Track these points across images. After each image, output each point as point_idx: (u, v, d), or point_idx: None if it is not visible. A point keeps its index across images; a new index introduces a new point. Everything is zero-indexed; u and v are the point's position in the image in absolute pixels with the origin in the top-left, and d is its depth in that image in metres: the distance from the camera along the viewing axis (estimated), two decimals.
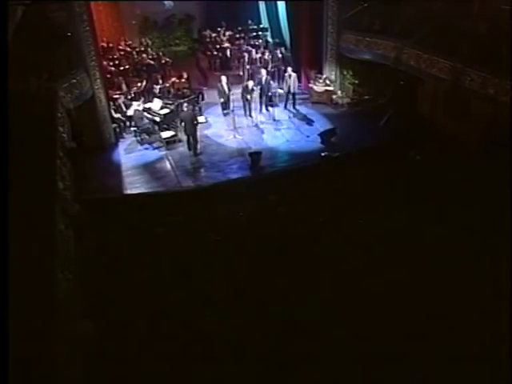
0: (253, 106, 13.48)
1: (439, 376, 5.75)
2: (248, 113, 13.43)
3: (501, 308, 6.35)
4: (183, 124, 11.77)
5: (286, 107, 13.86)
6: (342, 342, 6.20)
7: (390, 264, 7.60)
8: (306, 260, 7.79)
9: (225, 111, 13.39)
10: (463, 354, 5.92)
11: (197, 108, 13.60)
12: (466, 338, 6.13)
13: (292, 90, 13.54)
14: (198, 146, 11.85)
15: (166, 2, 18.09)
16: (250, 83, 13.26)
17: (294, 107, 13.84)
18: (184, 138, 12.34)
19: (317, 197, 9.67)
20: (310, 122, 13.23)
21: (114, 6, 16.37)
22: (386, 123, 12.59)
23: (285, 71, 13.83)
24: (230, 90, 13.20)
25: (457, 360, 5.86)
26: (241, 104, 13.43)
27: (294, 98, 13.79)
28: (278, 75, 15.13)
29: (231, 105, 12.93)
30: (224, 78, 13.06)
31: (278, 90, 13.97)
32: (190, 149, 11.93)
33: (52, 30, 10.28)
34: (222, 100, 13.30)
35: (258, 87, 13.58)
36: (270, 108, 13.77)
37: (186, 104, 12.29)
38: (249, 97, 13.15)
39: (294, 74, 13.40)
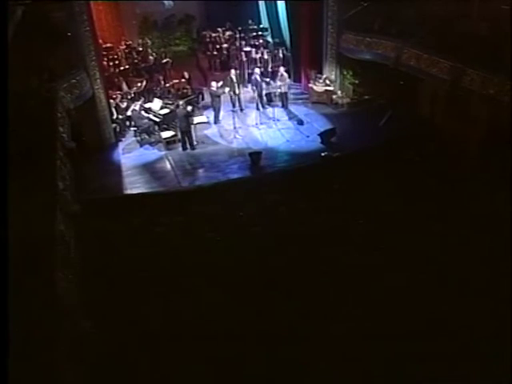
0: (242, 98, 13.67)
1: (439, 376, 5.76)
2: (238, 107, 13.45)
3: (501, 308, 6.35)
4: (177, 121, 11.87)
5: (283, 106, 13.88)
6: (342, 342, 6.20)
7: (391, 264, 7.60)
8: (306, 260, 7.80)
9: (218, 118, 13.33)
10: (463, 354, 5.93)
11: (196, 108, 13.63)
12: (466, 338, 6.13)
13: (283, 90, 13.54)
14: (195, 143, 11.98)
15: (165, 2, 18.06)
16: (233, 74, 13.27)
17: (286, 107, 13.82)
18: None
19: (317, 197, 9.67)
20: (309, 122, 13.22)
21: (114, 5, 16.34)
22: (386, 123, 12.58)
23: (278, 71, 13.87)
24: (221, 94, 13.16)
25: (456, 360, 5.87)
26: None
27: (286, 98, 13.79)
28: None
29: (221, 114, 13.18)
30: (214, 83, 13.00)
31: (277, 89, 13.98)
32: (184, 148, 11.94)
33: (52, 30, 10.27)
34: (215, 105, 13.18)
35: (253, 87, 13.70)
36: (270, 108, 13.78)
37: (181, 102, 12.29)
38: (237, 90, 13.17)
39: (285, 74, 13.43)
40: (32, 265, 4.28)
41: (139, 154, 11.95)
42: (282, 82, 13.43)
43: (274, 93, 13.94)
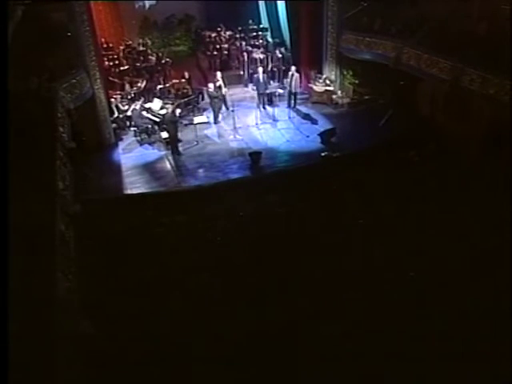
0: (228, 98, 13.53)
1: (439, 376, 5.76)
2: (214, 121, 13.23)
3: (501, 308, 6.35)
4: (165, 125, 11.88)
5: (289, 106, 13.84)
6: (341, 342, 6.20)
7: (390, 263, 7.60)
8: (306, 260, 7.79)
9: (217, 119, 13.29)
10: (463, 354, 5.92)
11: (196, 108, 13.65)
12: (466, 338, 6.13)
13: (293, 90, 13.53)
14: (179, 149, 11.92)
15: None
16: (219, 76, 13.25)
17: (294, 107, 13.83)
18: (184, 138, 12.40)
19: (317, 197, 9.67)
20: (309, 121, 13.22)
21: (114, 5, 16.31)
22: (386, 123, 12.59)
23: (288, 70, 13.82)
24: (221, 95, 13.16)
25: (456, 360, 5.86)
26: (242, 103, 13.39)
27: (295, 98, 13.79)
28: (278, 75, 15.12)
29: (220, 115, 13.18)
30: (211, 85, 13.01)
31: (277, 89, 13.97)
32: (173, 152, 11.78)
33: (52, 30, 10.28)
34: (214, 106, 13.12)
35: (254, 86, 13.70)
36: (270, 108, 13.78)
37: (168, 105, 12.24)
38: (223, 91, 13.14)
39: (296, 74, 13.39)
40: (32, 265, 4.28)
41: (139, 154, 11.96)
42: (294, 82, 13.39)
43: (274, 93, 13.93)
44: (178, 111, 12.08)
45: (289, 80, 13.57)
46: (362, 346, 6.12)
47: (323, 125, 12.93)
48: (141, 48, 16.32)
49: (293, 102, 13.83)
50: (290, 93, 13.67)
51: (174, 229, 8.71)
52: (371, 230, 8.49)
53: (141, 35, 17.60)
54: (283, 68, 15.04)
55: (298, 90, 13.85)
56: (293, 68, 13.54)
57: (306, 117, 13.48)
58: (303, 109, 14.01)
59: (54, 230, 4.99)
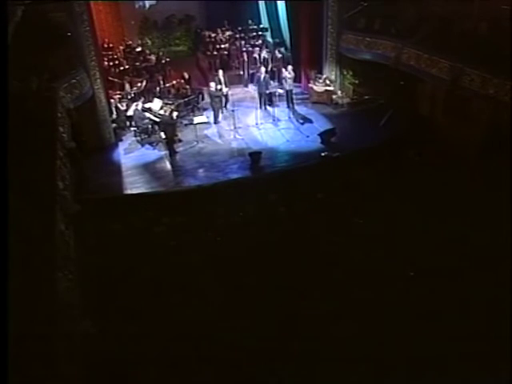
0: (230, 98, 13.51)
1: (439, 376, 5.76)
2: (214, 120, 13.21)
3: (501, 307, 6.35)
4: (162, 127, 11.89)
5: (289, 106, 13.82)
6: (342, 342, 6.20)
7: (390, 263, 7.60)
8: (306, 260, 7.79)
9: (217, 119, 13.29)
10: (463, 354, 5.93)
11: (196, 108, 13.65)
12: (466, 338, 6.13)
13: (287, 88, 13.51)
14: (180, 149, 11.96)
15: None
16: (220, 74, 13.22)
17: (291, 106, 13.80)
18: (184, 138, 12.39)
19: (317, 197, 9.66)
20: (309, 121, 13.23)
21: (114, 5, 16.35)
22: (386, 123, 12.59)
23: (285, 69, 13.83)
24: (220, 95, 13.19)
25: (456, 360, 5.87)
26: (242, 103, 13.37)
27: (291, 97, 13.76)
28: (278, 75, 15.12)
29: (220, 115, 13.22)
30: (213, 84, 13.02)
31: (277, 89, 13.98)
32: (170, 154, 11.78)
33: (52, 30, 10.28)
34: (214, 106, 13.10)
35: (255, 86, 13.68)
36: (270, 108, 13.77)
37: (167, 109, 12.27)
38: (218, 98, 13.05)
39: (292, 73, 13.36)
40: (32, 265, 4.28)
41: (139, 154, 11.96)
42: (290, 79, 13.35)
43: (274, 93, 13.93)
44: (175, 114, 12.10)
45: (285, 79, 13.53)
46: (363, 346, 6.12)
47: (323, 125, 12.93)
48: (141, 48, 16.35)
49: (290, 101, 13.78)
50: (286, 92, 13.65)
51: (174, 229, 8.71)
52: (371, 230, 8.49)
53: (141, 35, 17.66)
54: (283, 68, 15.01)
55: (293, 88, 13.74)
56: (289, 67, 13.52)
57: (306, 117, 13.47)
58: (303, 109, 14.01)
59: (53, 230, 4.99)
